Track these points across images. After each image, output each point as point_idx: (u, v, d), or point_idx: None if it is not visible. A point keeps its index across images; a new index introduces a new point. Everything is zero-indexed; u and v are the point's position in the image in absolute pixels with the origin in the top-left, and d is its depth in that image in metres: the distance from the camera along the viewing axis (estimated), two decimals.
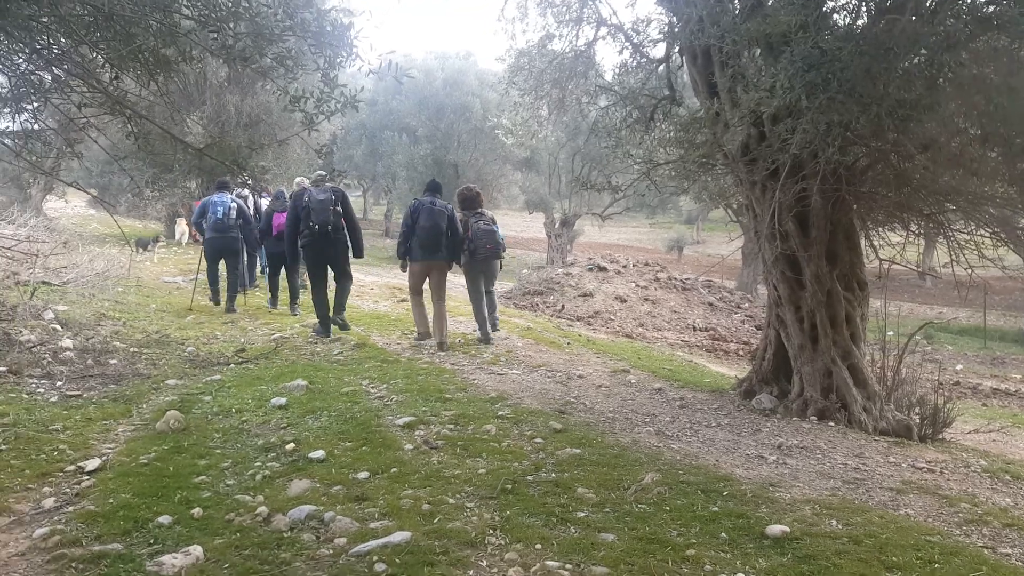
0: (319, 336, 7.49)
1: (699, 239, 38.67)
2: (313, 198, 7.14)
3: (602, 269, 14.78)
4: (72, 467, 3.70)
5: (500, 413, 4.90)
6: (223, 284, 9.35)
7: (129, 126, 3.80)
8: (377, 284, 12.90)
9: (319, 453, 3.92)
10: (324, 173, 7.40)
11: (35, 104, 3.78)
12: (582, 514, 3.22)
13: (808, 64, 4.15)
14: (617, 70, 6.95)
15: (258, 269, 11.23)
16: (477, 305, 7.64)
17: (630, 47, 6.61)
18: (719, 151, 5.58)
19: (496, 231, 7.50)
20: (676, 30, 5.71)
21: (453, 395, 5.34)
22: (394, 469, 3.74)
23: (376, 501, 3.33)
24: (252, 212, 9.88)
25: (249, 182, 5.31)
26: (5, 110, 3.66)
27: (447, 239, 7.17)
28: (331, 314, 7.54)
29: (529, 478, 3.66)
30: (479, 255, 7.41)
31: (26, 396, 4.88)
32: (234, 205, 9.04)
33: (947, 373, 10.48)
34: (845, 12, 4.92)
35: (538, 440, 4.33)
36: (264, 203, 10.20)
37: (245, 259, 10.54)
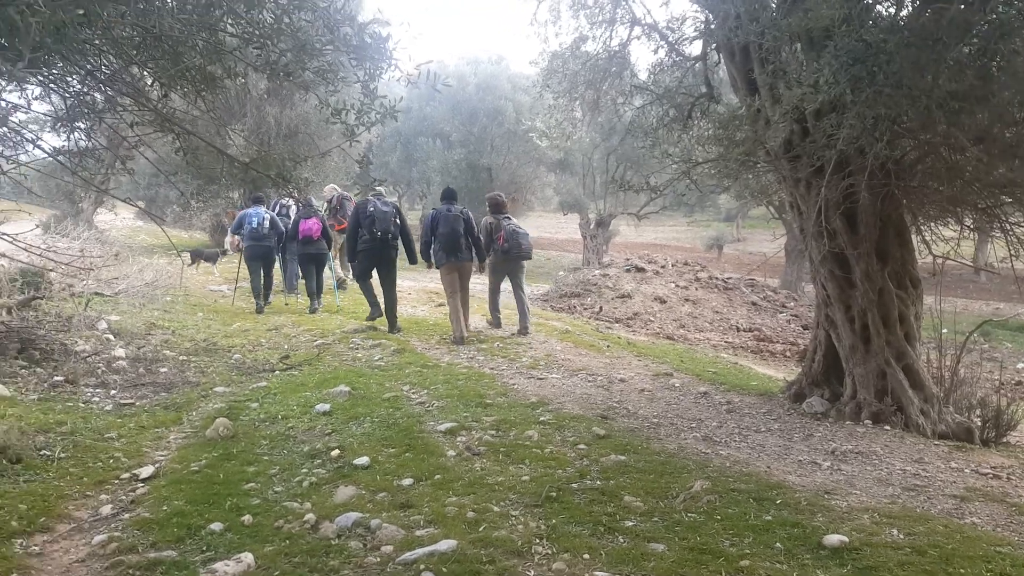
0: (372, 320, 8.37)
1: (739, 237, 37.98)
2: (378, 208, 8.10)
3: (640, 270, 14.60)
4: (127, 474, 3.82)
5: (541, 419, 4.87)
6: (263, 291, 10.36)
7: (178, 142, 3.90)
8: (415, 289, 12.97)
9: (363, 459, 3.95)
10: (382, 190, 8.51)
11: (88, 123, 3.90)
12: (630, 523, 3.17)
13: (853, 58, 4.05)
14: (652, 69, 6.91)
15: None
16: (493, 298, 8.80)
17: (665, 46, 6.56)
18: (761, 148, 5.47)
19: (527, 234, 8.41)
20: (713, 27, 5.63)
21: (494, 400, 5.34)
22: (438, 476, 3.75)
23: (421, 508, 3.33)
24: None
25: (295, 194, 5.50)
26: (61, 129, 3.77)
27: (466, 240, 8.03)
28: (389, 331, 8.30)
29: (574, 485, 3.61)
30: (512, 254, 8.31)
31: (83, 405, 5.04)
32: (267, 217, 10.26)
33: (1008, 372, 10.08)
34: (888, 3, 4.79)
35: (581, 446, 4.28)
36: None
37: (289, 269, 11.17)
